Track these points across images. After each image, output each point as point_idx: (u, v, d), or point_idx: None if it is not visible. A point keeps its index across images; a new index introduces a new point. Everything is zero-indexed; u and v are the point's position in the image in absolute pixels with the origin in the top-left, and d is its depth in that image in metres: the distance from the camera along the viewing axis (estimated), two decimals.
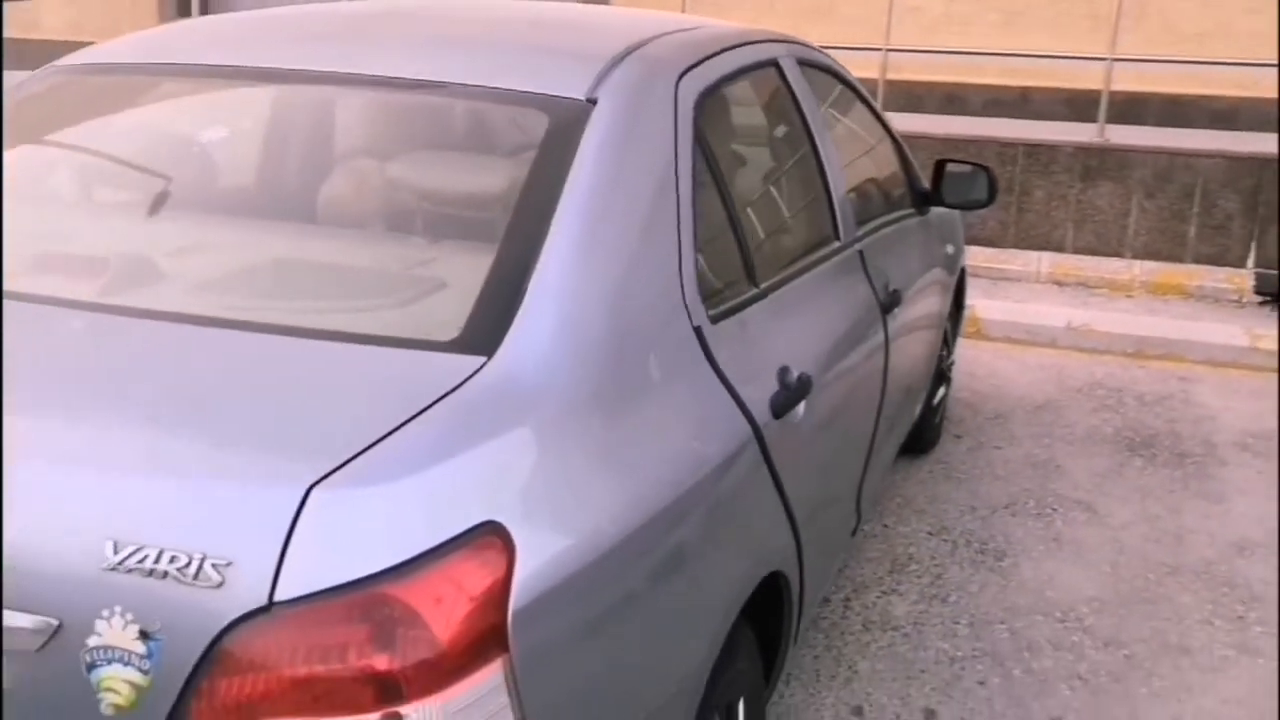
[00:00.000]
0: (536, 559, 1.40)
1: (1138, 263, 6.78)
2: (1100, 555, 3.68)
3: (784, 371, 2.17)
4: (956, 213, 4.28)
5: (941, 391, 4.43)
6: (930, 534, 3.79)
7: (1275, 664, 3.11)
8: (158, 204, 2.13)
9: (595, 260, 1.77)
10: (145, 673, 1.28)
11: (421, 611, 1.29)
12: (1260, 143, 6.85)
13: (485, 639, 1.33)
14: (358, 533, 1.31)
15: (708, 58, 2.36)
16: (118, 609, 1.28)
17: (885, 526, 3.82)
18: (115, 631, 1.28)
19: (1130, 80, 7.90)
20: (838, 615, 3.27)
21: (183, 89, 2.32)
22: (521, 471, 1.48)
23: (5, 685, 1.33)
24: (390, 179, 2.14)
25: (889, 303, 2.99)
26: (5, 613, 1.31)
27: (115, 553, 1.29)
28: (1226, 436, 4.70)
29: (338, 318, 1.71)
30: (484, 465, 1.44)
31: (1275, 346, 5.50)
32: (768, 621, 2.25)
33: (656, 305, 1.86)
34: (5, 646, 1.32)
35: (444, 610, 1.30)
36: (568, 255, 1.73)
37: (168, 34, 2.44)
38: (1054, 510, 3.99)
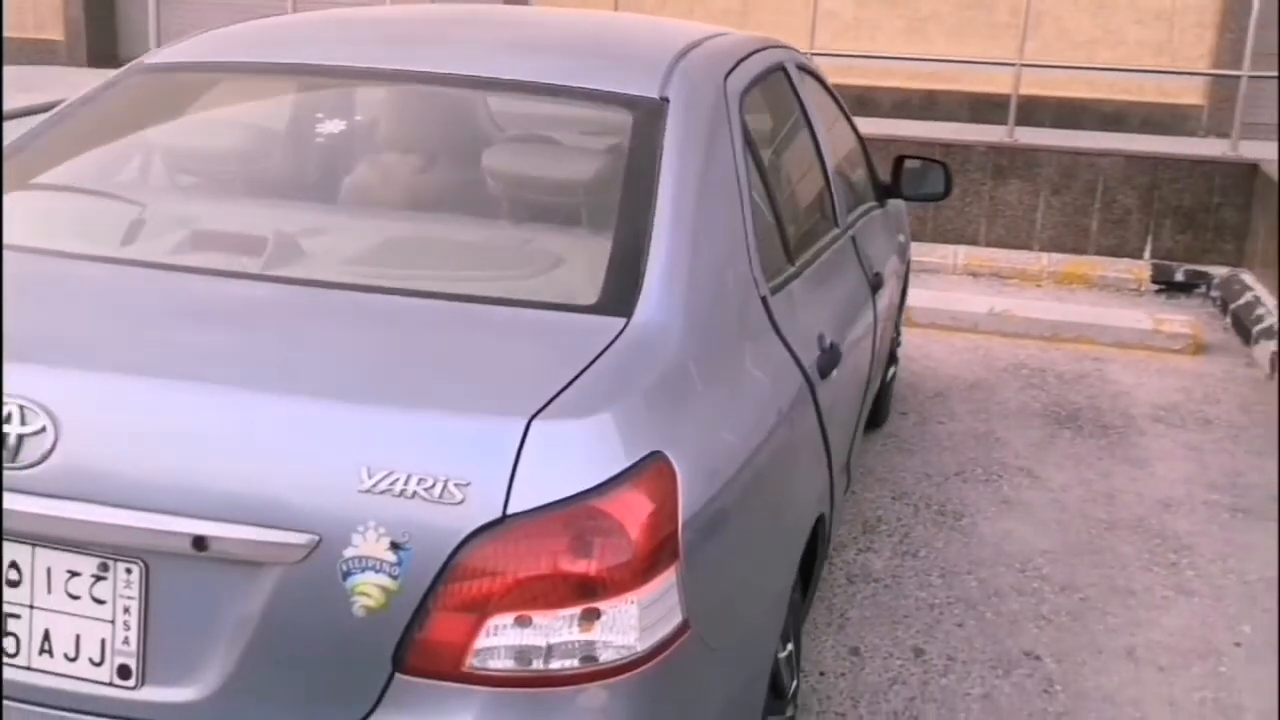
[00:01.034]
0: (690, 482, 1.67)
1: (1046, 255, 7.28)
2: (1046, 514, 4.07)
3: (821, 339, 2.46)
4: (903, 206, 4.65)
5: (891, 371, 4.79)
6: (893, 499, 4.14)
7: (1208, 602, 3.53)
8: (292, 192, 2.34)
9: (691, 238, 2.04)
10: (395, 578, 1.51)
11: (623, 523, 1.54)
12: (1154, 143, 7.41)
13: (664, 547, 1.59)
14: (567, 457, 1.55)
15: (740, 62, 2.64)
16: (371, 524, 1.51)
17: (853, 493, 4.14)
18: (370, 543, 1.51)
19: (1026, 84, 8.41)
20: (824, 571, 3.58)
21: (292, 86, 2.53)
22: (669, 410, 1.74)
23: (268, 595, 1.55)
24: (494, 168, 2.38)
25: (875, 284, 3.32)
26: (272, 531, 1.53)
27: (369, 477, 1.51)
28: (1141, 410, 5.17)
29: (489, 285, 1.95)
30: (645, 404, 1.70)
31: (1177, 330, 6.01)
32: (803, 563, 2.54)
33: (736, 277, 2.14)
34: (272, 560, 1.54)
35: (637, 523, 1.55)
36: (671, 234, 2.00)
37: (258, 32, 2.62)
38: (999, 476, 4.38)
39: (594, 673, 1.55)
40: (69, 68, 10.67)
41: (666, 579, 1.59)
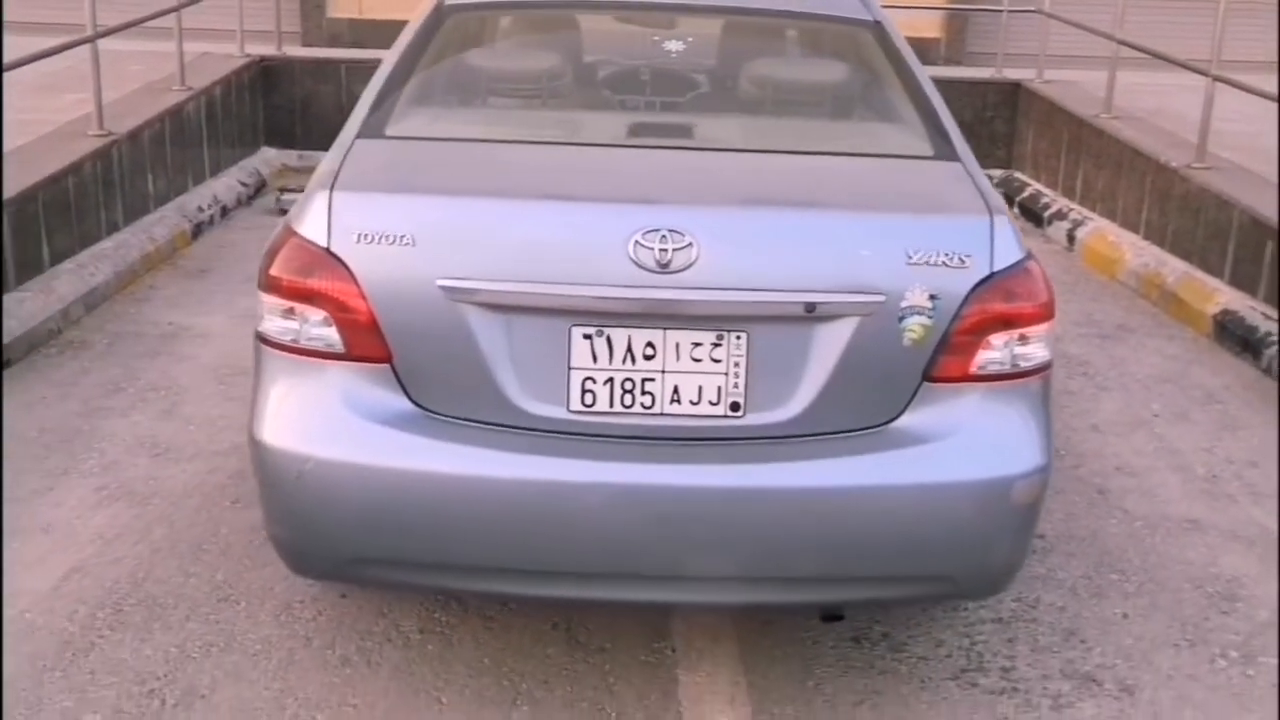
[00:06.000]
0: None
1: None
2: None
3: None
4: None
5: None
6: None
7: (1121, 394, 4.82)
8: (648, 96, 3.12)
9: (950, 115, 2.98)
10: (930, 318, 2.40)
11: (1044, 277, 2.49)
12: (940, 70, 8.85)
13: (1053, 298, 2.54)
14: (1008, 238, 2.49)
15: None
16: (918, 285, 2.39)
17: None
18: (917, 297, 2.38)
19: None
20: None
21: (603, 19, 3.28)
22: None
23: (847, 339, 2.39)
24: (785, 75, 3.22)
25: None
26: (857, 294, 2.37)
27: (913, 254, 2.38)
28: None
29: (864, 146, 2.83)
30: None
31: None
32: None
33: None
34: (855, 313, 2.38)
35: (1045, 278, 2.50)
36: (944, 108, 2.94)
37: None
38: None
39: (1028, 371, 2.52)
40: None
41: (1055, 320, 2.55)
